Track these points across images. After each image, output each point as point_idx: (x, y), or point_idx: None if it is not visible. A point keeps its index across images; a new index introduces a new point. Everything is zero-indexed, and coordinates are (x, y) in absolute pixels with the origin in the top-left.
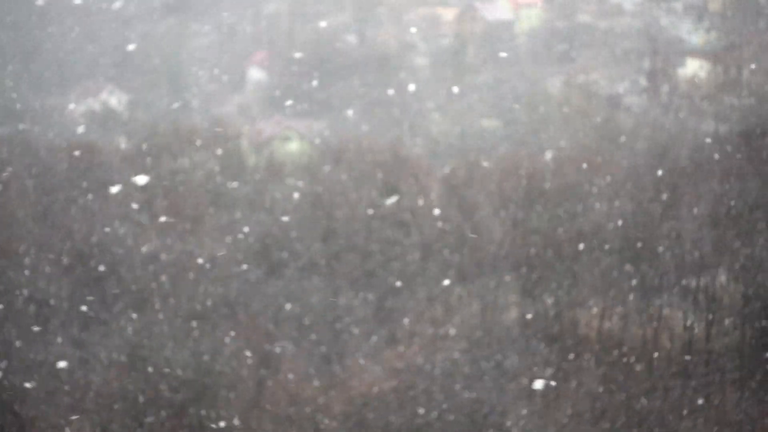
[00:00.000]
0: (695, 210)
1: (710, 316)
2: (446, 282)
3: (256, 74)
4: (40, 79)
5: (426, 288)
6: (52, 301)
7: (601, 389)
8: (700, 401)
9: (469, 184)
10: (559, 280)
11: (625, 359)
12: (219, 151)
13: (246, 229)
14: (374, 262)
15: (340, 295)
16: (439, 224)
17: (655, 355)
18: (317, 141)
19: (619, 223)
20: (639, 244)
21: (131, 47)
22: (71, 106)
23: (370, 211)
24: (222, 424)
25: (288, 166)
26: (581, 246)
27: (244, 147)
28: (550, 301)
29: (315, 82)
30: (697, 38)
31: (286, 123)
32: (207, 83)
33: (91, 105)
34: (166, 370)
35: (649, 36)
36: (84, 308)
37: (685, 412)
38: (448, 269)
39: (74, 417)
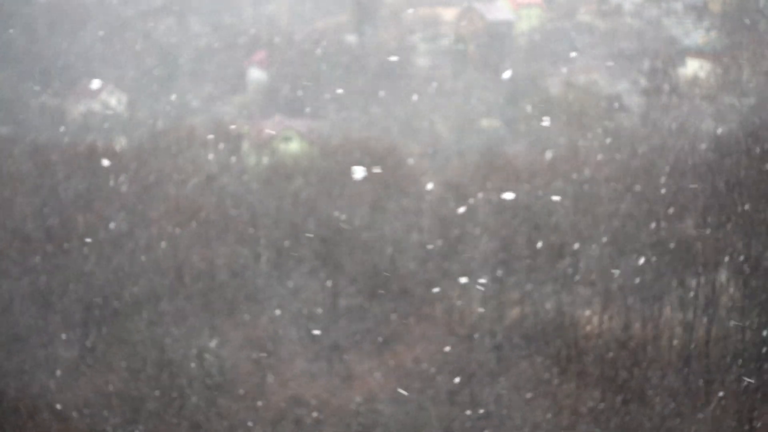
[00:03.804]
0: (695, 210)
1: (710, 316)
2: (445, 281)
3: (256, 74)
4: (40, 79)
5: (425, 287)
6: (53, 300)
7: (600, 389)
8: (700, 401)
9: (469, 183)
10: (560, 280)
11: (625, 359)
12: (219, 151)
13: (245, 228)
14: (374, 261)
15: (339, 293)
16: (439, 223)
17: (655, 355)
18: (317, 141)
19: (620, 222)
20: (639, 244)
21: (131, 47)
22: (71, 106)
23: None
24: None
25: (288, 166)
26: (581, 246)
27: (245, 147)
28: (550, 300)
29: (315, 82)
30: (697, 38)
31: (286, 123)
32: (207, 83)
33: (91, 105)
34: (169, 367)
35: (649, 36)
36: (84, 308)
37: (684, 412)
38: (447, 269)
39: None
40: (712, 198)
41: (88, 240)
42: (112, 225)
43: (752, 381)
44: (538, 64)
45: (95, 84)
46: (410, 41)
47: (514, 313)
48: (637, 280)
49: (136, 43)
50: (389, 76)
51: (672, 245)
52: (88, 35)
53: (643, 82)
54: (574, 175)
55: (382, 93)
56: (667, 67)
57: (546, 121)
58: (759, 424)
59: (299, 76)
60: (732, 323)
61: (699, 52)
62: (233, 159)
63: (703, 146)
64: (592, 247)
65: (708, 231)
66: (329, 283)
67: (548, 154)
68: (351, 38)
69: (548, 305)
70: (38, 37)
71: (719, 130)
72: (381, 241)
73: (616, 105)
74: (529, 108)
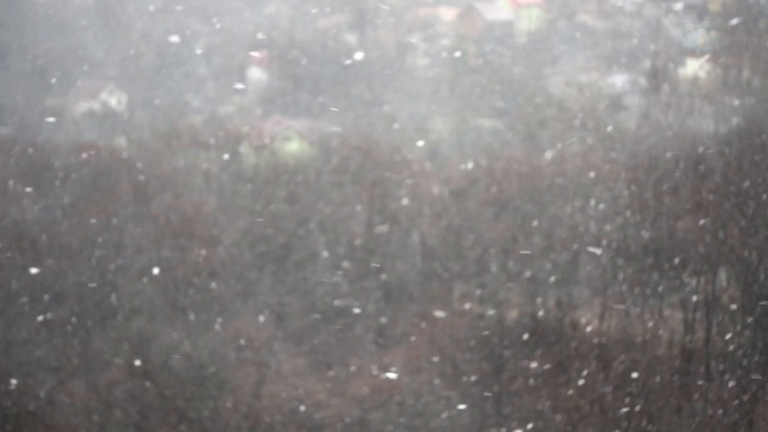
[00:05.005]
0: (695, 210)
1: (710, 316)
2: (445, 281)
3: (256, 74)
4: (39, 79)
5: (425, 288)
6: (54, 301)
7: (600, 389)
8: (700, 401)
9: (469, 183)
10: (559, 280)
11: (625, 359)
12: (219, 151)
13: (246, 229)
14: (374, 261)
15: (339, 294)
16: (439, 224)
17: (655, 355)
18: (317, 141)
19: (619, 222)
20: (639, 244)
21: (131, 47)
22: (71, 106)
23: (370, 211)
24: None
25: (288, 166)
26: (581, 246)
27: (244, 147)
28: (550, 301)
29: (315, 83)
30: (697, 38)
31: (286, 123)
32: (207, 83)
33: (91, 105)
34: (168, 367)
35: (649, 36)
36: (84, 307)
37: (684, 412)
38: (446, 269)
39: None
40: (712, 198)
41: (88, 240)
42: (111, 225)
43: (752, 381)
44: (538, 64)
45: (95, 84)
46: (410, 41)
47: (514, 313)
48: (637, 280)
49: (136, 43)
50: (389, 77)
51: (672, 245)
52: (88, 35)
53: (643, 82)
54: (575, 175)
55: (381, 93)
56: (667, 67)
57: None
58: (759, 424)
59: (299, 76)
60: (732, 323)
61: (699, 52)
62: (233, 159)
63: (703, 146)
64: (592, 246)
65: (707, 230)
66: (328, 284)
67: (548, 154)
68: (351, 38)
69: (548, 305)
70: (38, 37)
71: (719, 130)
72: (381, 242)
73: (616, 105)
74: (529, 108)
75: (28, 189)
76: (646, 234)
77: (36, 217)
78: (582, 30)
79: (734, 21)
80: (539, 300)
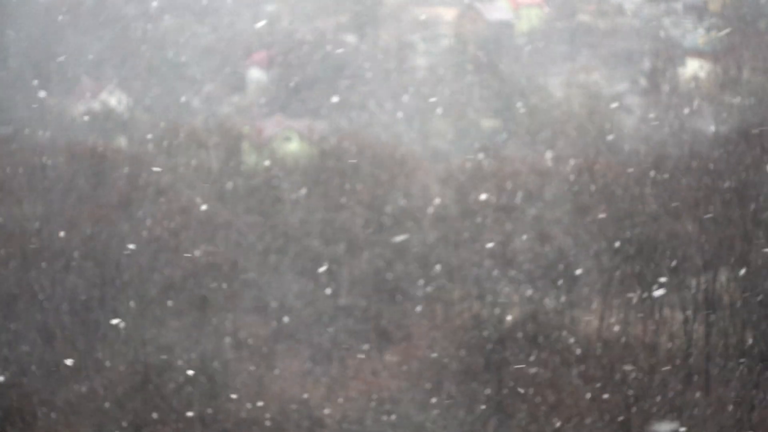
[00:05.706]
0: (695, 210)
1: (710, 316)
2: (443, 282)
3: (256, 74)
4: (40, 79)
5: (423, 288)
6: (54, 300)
7: (600, 389)
8: (700, 401)
9: (469, 184)
10: (560, 280)
11: (625, 359)
12: (219, 151)
13: (245, 229)
14: (373, 262)
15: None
16: (438, 224)
17: (655, 355)
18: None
19: (619, 222)
20: (639, 244)
21: (131, 47)
22: (71, 106)
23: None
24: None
25: (288, 166)
26: (581, 245)
27: (245, 147)
28: (550, 300)
29: (315, 82)
30: (697, 38)
31: (286, 123)
32: (207, 83)
33: (91, 105)
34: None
35: (649, 36)
36: (86, 306)
37: (684, 412)
38: (445, 269)
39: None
40: (712, 198)
41: (87, 240)
42: (111, 225)
43: (752, 381)
44: (538, 64)
45: (95, 84)
46: (410, 41)
47: (514, 314)
48: (637, 280)
49: (136, 43)
50: (389, 76)
51: (672, 245)
52: (88, 35)
53: (643, 82)
54: (574, 175)
55: (381, 93)
56: (667, 67)
57: None
58: (759, 425)
59: (299, 76)
60: (732, 323)
61: (699, 52)
62: (233, 159)
63: (703, 146)
64: (592, 247)
65: (707, 230)
66: (329, 284)
67: (548, 154)
68: (351, 38)
69: (547, 305)
70: (38, 37)
71: (719, 130)
72: (380, 242)
73: (616, 105)
74: (528, 108)
75: (27, 189)
76: (646, 234)
77: (34, 217)
78: (582, 30)
79: (734, 21)
80: (539, 299)
